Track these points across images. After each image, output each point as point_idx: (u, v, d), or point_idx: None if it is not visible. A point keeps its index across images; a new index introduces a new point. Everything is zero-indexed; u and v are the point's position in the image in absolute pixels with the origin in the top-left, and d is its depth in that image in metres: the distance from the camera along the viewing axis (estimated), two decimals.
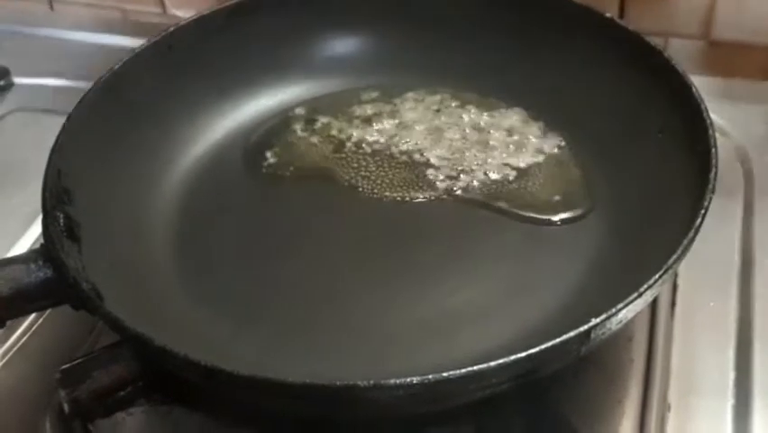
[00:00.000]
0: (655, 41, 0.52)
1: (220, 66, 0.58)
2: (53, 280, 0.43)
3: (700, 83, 0.49)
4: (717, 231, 0.51)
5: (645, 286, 0.38)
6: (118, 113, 0.53)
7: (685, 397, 0.45)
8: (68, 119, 0.49)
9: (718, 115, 0.58)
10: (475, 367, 0.36)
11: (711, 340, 0.47)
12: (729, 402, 0.45)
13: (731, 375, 0.46)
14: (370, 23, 0.60)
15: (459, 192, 0.53)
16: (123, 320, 0.39)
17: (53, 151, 0.47)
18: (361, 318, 0.47)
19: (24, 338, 0.50)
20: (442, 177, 0.54)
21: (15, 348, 0.50)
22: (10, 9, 0.79)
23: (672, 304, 0.49)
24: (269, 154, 0.56)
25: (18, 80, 0.70)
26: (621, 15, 0.66)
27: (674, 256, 0.39)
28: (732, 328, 0.48)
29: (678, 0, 0.65)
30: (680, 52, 0.64)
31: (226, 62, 0.58)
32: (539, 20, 0.56)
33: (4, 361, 0.49)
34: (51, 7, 0.79)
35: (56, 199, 0.45)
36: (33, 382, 0.48)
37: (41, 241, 0.44)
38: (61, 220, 0.45)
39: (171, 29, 0.56)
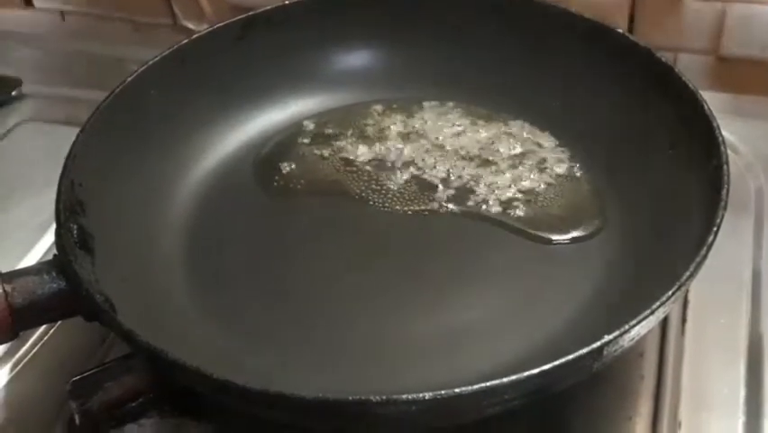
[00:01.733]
0: (664, 56, 0.52)
1: (232, 79, 0.58)
2: (66, 292, 0.43)
3: (709, 99, 0.49)
4: (728, 247, 0.50)
5: (658, 303, 0.38)
6: (131, 125, 0.53)
7: (696, 414, 0.45)
8: (82, 130, 0.49)
9: (727, 130, 0.57)
10: (488, 383, 0.36)
11: (722, 357, 0.47)
12: (740, 420, 0.44)
13: (742, 392, 0.46)
14: (382, 36, 0.60)
15: (469, 208, 0.53)
16: (136, 333, 0.39)
17: (67, 162, 0.47)
18: (371, 333, 0.46)
19: (35, 349, 0.50)
20: (452, 192, 0.54)
21: (26, 359, 0.50)
22: (22, 20, 0.79)
23: (683, 320, 0.49)
24: (280, 167, 0.56)
25: (30, 91, 0.71)
26: (630, 31, 0.66)
27: (687, 273, 0.39)
28: (743, 345, 0.48)
29: (687, 15, 0.65)
30: (688, 68, 0.64)
31: (238, 75, 0.58)
32: (549, 35, 0.57)
33: (15, 372, 0.49)
34: (63, 18, 0.79)
35: (70, 211, 0.45)
36: (44, 393, 0.48)
37: (53, 252, 0.44)
38: (75, 232, 0.45)
39: (184, 41, 0.56)
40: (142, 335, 0.39)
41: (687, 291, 0.50)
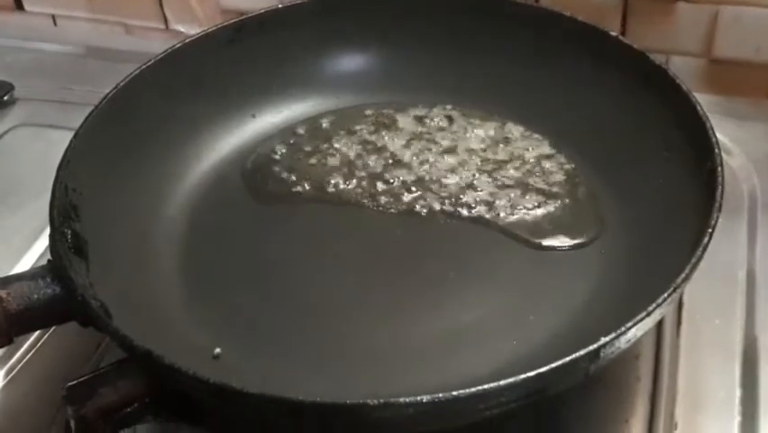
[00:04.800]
0: (658, 58, 0.52)
1: (225, 83, 0.59)
2: (61, 297, 0.43)
3: (702, 101, 0.49)
4: (722, 249, 0.51)
5: (654, 305, 0.39)
6: (124, 129, 0.53)
7: (692, 415, 0.45)
8: (76, 135, 0.49)
9: (720, 132, 0.57)
10: (485, 386, 0.36)
11: (717, 358, 0.48)
12: (736, 420, 0.45)
13: (737, 393, 0.46)
14: (375, 40, 0.60)
15: (465, 212, 0.53)
16: (131, 338, 0.39)
17: (61, 167, 0.47)
18: (368, 337, 0.46)
19: (30, 354, 0.50)
20: (447, 195, 0.54)
21: (21, 364, 0.50)
22: (14, 24, 0.79)
23: (678, 322, 0.49)
24: (274, 171, 0.56)
25: (22, 95, 0.70)
26: (623, 33, 0.66)
27: (682, 275, 0.40)
28: (738, 346, 0.48)
29: (679, 18, 0.65)
30: (681, 70, 0.64)
31: (231, 79, 0.58)
32: (543, 39, 0.57)
33: (10, 377, 0.49)
34: (55, 23, 0.79)
35: (63, 216, 0.45)
36: (40, 399, 0.48)
37: (47, 257, 0.44)
38: (69, 237, 0.45)
39: (177, 45, 0.56)
40: (138, 340, 0.39)
41: (682, 294, 0.50)
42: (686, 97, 0.49)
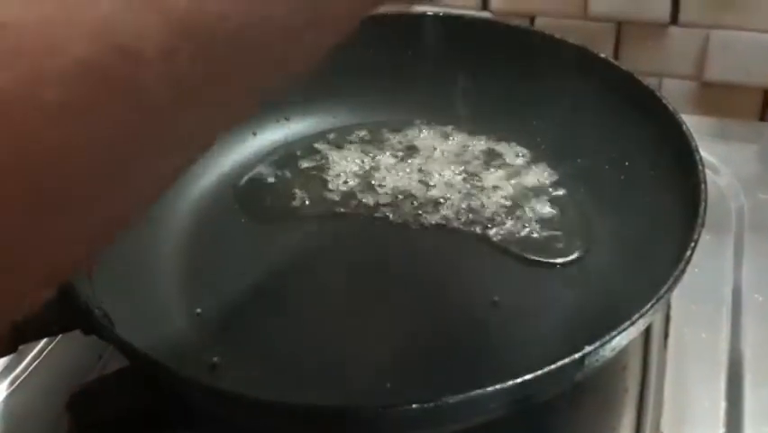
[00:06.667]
0: (649, 81, 0.54)
1: None
2: (64, 306, 0.44)
3: (694, 123, 0.51)
4: (709, 266, 0.53)
5: (638, 315, 0.40)
6: None
7: (677, 426, 0.46)
8: None
9: (711, 154, 0.60)
10: (472, 393, 0.37)
11: (703, 370, 0.49)
12: (721, 432, 0.46)
13: (722, 405, 0.47)
14: (370, 59, 0.62)
15: (457, 227, 0.54)
16: (134, 345, 0.40)
17: None
18: (366, 349, 0.48)
19: (34, 364, 0.51)
20: (441, 212, 0.55)
21: (26, 374, 0.51)
22: None
23: (665, 335, 0.51)
24: (272, 187, 0.58)
25: None
26: (616, 57, 0.68)
27: (665, 287, 0.41)
28: (723, 359, 0.49)
29: (671, 42, 0.67)
30: (673, 93, 0.66)
31: None
32: (535, 61, 0.59)
33: (14, 386, 0.50)
34: None
35: None
36: (43, 407, 0.49)
37: None
38: None
39: None
40: (141, 347, 0.40)
41: (669, 307, 0.52)
42: (671, 116, 0.51)
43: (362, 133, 0.62)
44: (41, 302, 0.25)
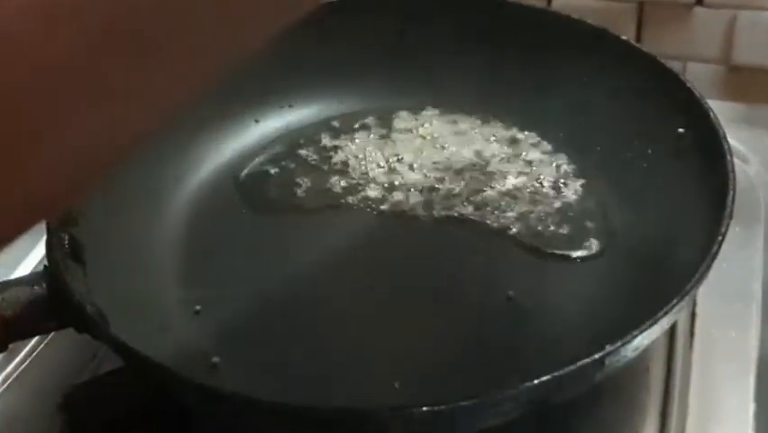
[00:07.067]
0: (673, 64, 0.53)
1: (229, 87, 0.59)
2: (57, 303, 0.43)
3: (720, 108, 0.50)
4: (738, 260, 0.52)
5: (662, 312, 0.39)
6: None
7: (704, 430, 0.45)
8: None
9: (739, 141, 0.59)
10: (489, 395, 0.37)
11: (731, 371, 0.48)
12: None
13: (751, 407, 0.46)
14: (383, 44, 0.61)
15: (471, 220, 0.53)
16: (129, 344, 0.40)
17: None
18: (372, 347, 0.47)
19: (26, 363, 0.51)
20: (454, 203, 0.54)
21: (17, 373, 0.50)
22: None
23: (691, 334, 0.50)
24: (275, 178, 0.57)
25: None
26: (638, 39, 0.67)
27: (691, 282, 0.40)
28: (752, 359, 0.48)
29: (696, 23, 0.66)
30: (699, 77, 0.65)
31: (235, 82, 0.59)
32: (550, 43, 0.58)
33: (5, 386, 0.50)
34: None
35: (60, 220, 0.46)
36: (36, 408, 0.48)
37: (45, 263, 0.45)
38: (66, 242, 0.46)
39: None
40: (136, 347, 0.40)
41: (695, 304, 0.50)
42: (697, 102, 0.50)
43: (370, 119, 0.61)
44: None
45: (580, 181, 0.55)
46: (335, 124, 0.61)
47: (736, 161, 0.47)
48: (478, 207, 0.54)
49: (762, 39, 0.65)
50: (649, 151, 0.53)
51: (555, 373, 0.37)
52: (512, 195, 0.55)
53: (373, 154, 0.58)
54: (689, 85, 0.51)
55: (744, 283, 0.52)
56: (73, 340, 0.45)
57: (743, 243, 0.53)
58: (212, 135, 0.59)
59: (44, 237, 0.46)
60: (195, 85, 0.27)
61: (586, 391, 0.41)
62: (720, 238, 0.42)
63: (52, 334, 0.49)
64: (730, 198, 0.44)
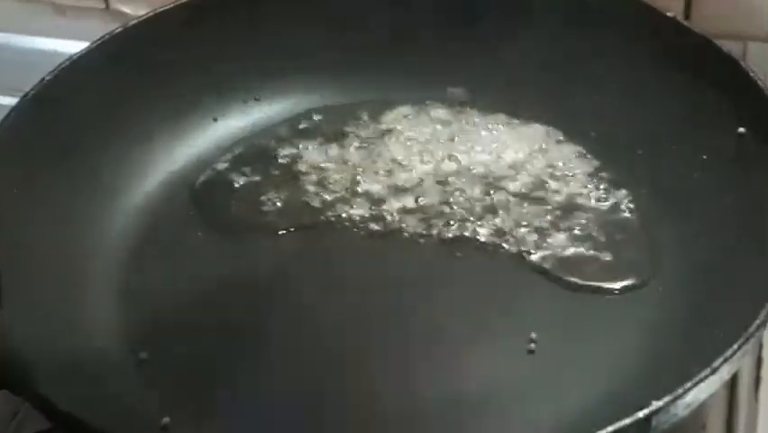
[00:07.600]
0: (730, 47, 0.53)
1: (178, 75, 0.59)
2: None
3: None
4: None
5: (721, 359, 0.39)
6: (51, 133, 0.54)
7: None
8: None
9: None
10: None
11: None
12: None
13: None
14: (372, 27, 0.61)
15: (479, 240, 0.53)
16: (57, 403, 0.39)
17: None
18: (349, 398, 0.47)
19: None
20: (453, 220, 0.54)
21: None
22: None
23: (756, 382, 0.50)
24: (236, 190, 0.57)
25: None
26: (686, 16, 0.67)
27: (756, 322, 0.40)
28: None
29: None
30: (761, 61, 0.65)
31: (187, 72, 0.59)
32: (584, 23, 0.58)
33: None
34: None
35: None
36: None
37: None
38: None
39: (118, 30, 0.57)
40: (65, 404, 0.39)
41: (761, 347, 0.51)
42: (761, 93, 0.50)
43: (353, 116, 0.61)
44: None
45: (617, 194, 0.55)
46: (313, 120, 0.61)
47: None
48: (492, 228, 0.54)
49: None
50: (704, 156, 0.53)
51: None
52: (532, 211, 0.55)
53: (361, 161, 0.58)
54: (751, 74, 0.51)
55: None
56: None
57: None
58: (161, 137, 0.59)
59: None
60: None
61: None
62: None
63: None
64: None
